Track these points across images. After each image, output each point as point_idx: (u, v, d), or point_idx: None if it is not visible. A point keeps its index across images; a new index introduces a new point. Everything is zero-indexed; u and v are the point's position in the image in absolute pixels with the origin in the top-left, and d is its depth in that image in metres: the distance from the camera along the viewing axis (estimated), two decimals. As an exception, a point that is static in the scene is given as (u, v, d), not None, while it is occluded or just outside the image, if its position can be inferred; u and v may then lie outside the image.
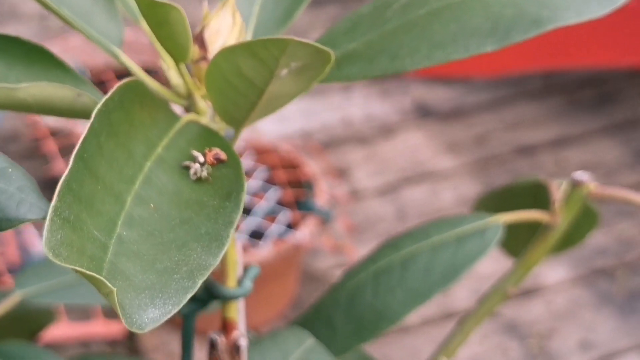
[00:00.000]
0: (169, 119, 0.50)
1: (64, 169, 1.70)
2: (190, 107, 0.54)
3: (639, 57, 2.01)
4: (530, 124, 2.04)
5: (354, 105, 2.09)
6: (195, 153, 0.48)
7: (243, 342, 0.60)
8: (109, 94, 0.44)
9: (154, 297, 0.39)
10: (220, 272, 0.60)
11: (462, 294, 1.66)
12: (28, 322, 0.89)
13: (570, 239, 0.77)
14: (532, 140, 2.00)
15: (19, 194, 0.40)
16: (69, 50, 1.87)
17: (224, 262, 0.59)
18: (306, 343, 0.68)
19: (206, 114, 0.54)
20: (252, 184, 1.67)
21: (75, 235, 0.39)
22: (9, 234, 1.60)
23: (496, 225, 0.70)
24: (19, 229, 1.61)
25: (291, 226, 1.60)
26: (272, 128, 2.00)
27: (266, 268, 1.50)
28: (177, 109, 0.53)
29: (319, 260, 1.72)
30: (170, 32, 0.49)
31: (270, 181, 1.69)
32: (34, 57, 0.51)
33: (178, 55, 0.52)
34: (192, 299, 0.60)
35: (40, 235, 1.61)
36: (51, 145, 1.76)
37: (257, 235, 1.59)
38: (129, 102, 0.46)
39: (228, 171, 0.47)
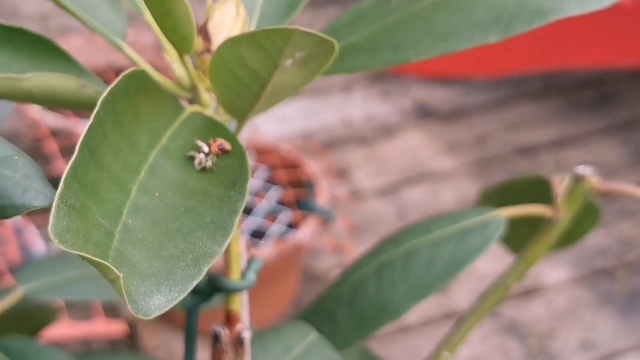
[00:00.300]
0: (174, 110, 0.50)
1: (65, 169, 1.71)
2: (194, 100, 0.54)
3: (639, 57, 2.01)
4: (531, 125, 2.05)
5: (354, 106, 2.09)
6: (200, 143, 0.48)
7: (246, 335, 0.60)
8: (114, 83, 0.44)
9: (159, 284, 0.39)
10: (224, 265, 0.60)
11: (462, 294, 1.66)
12: (30, 319, 0.89)
13: (573, 235, 0.77)
14: (532, 141, 2.00)
15: (25, 181, 0.40)
16: (70, 50, 1.87)
17: (227, 255, 0.59)
18: (309, 337, 0.68)
19: (210, 107, 0.54)
20: (253, 183, 1.67)
21: (81, 222, 0.39)
22: (9, 233, 1.60)
23: (498, 220, 0.70)
24: (20, 229, 1.61)
25: (292, 226, 1.60)
26: (273, 128, 2.00)
27: (267, 268, 1.50)
28: (180, 101, 0.53)
29: (319, 260, 1.72)
30: (175, 23, 0.49)
31: (271, 181, 1.69)
32: (38, 48, 0.52)
33: (182, 47, 0.52)
34: (196, 291, 0.60)
35: (41, 235, 1.61)
36: (52, 146, 1.76)
37: (258, 235, 1.59)
38: (133, 92, 0.46)
39: (233, 161, 0.47)
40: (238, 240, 0.58)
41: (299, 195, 1.65)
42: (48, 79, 0.48)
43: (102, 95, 0.43)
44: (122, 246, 0.40)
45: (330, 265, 1.71)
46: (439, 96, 2.12)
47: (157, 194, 0.44)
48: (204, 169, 0.47)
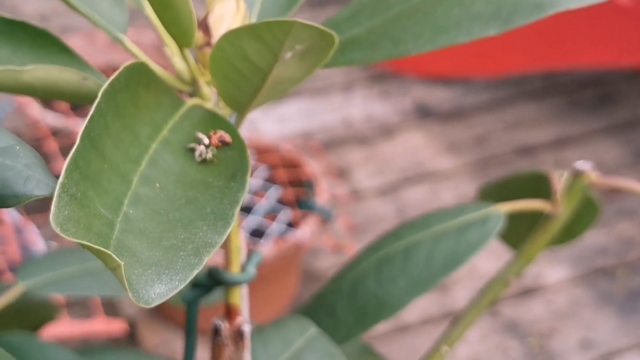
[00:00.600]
0: (174, 103, 0.50)
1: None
2: (194, 93, 0.55)
3: (639, 57, 2.01)
4: (530, 125, 2.05)
5: (354, 106, 2.09)
6: (201, 135, 0.48)
7: (247, 328, 0.60)
8: (115, 74, 0.45)
9: (160, 273, 0.40)
10: (224, 259, 0.60)
11: (462, 293, 1.66)
12: (31, 315, 0.89)
13: (572, 230, 0.78)
14: (532, 141, 2.00)
15: (27, 171, 0.40)
16: (70, 50, 1.87)
17: (227, 248, 0.59)
18: (309, 331, 0.68)
19: (210, 100, 0.54)
20: (252, 183, 1.67)
21: (83, 212, 0.40)
22: (10, 232, 1.60)
23: (497, 215, 0.70)
24: (20, 228, 1.61)
25: (292, 225, 1.61)
26: (273, 128, 2.00)
27: (267, 267, 1.50)
28: (181, 95, 0.53)
29: (319, 259, 1.72)
30: (175, 16, 0.50)
31: (270, 180, 1.69)
32: (39, 42, 0.52)
33: (183, 40, 0.52)
34: (196, 285, 0.60)
35: (42, 234, 1.61)
36: (52, 145, 1.76)
37: (258, 234, 1.59)
38: (134, 84, 0.47)
39: (233, 153, 0.47)
40: (238, 234, 0.59)
41: (298, 195, 1.65)
42: (49, 72, 0.48)
43: (103, 87, 0.43)
44: (123, 236, 0.41)
45: (330, 265, 1.71)
46: (439, 96, 2.12)
47: (157, 184, 0.44)
48: (204, 161, 0.47)
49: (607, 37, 2.01)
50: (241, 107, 0.53)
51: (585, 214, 0.76)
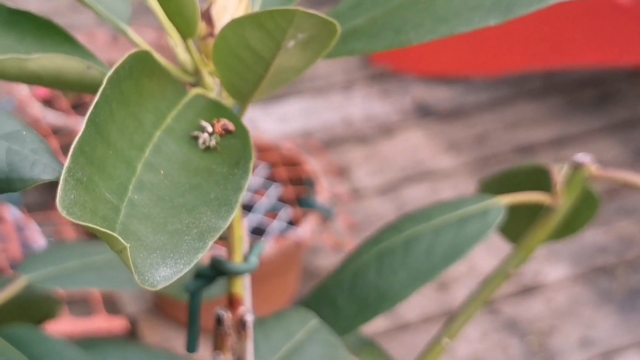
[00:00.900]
0: (178, 92, 0.51)
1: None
2: (197, 84, 0.55)
3: (639, 57, 2.02)
4: (530, 124, 2.05)
5: (354, 105, 2.10)
6: (204, 123, 0.49)
7: (249, 318, 0.60)
8: (120, 62, 0.45)
9: (165, 256, 0.40)
10: (227, 250, 0.61)
11: (462, 291, 1.67)
12: (32, 310, 0.89)
13: (572, 225, 0.78)
14: (531, 140, 2.01)
15: (33, 156, 0.41)
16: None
17: (230, 238, 0.59)
18: (310, 323, 0.68)
19: (213, 90, 0.55)
20: (253, 181, 1.67)
21: (88, 196, 0.40)
22: (11, 230, 1.60)
23: (498, 207, 0.70)
24: (21, 226, 1.62)
25: (292, 223, 1.61)
26: (273, 127, 2.01)
27: (267, 265, 1.51)
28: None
29: (319, 258, 1.72)
30: (179, 6, 0.50)
31: (271, 178, 1.69)
32: (44, 31, 0.52)
33: (186, 30, 0.52)
34: (199, 275, 0.61)
35: (42, 231, 1.62)
36: (53, 143, 1.76)
37: (258, 232, 1.59)
38: (138, 72, 0.47)
39: (236, 141, 0.48)
40: (240, 224, 0.59)
41: (299, 193, 1.66)
42: (54, 60, 0.48)
43: (108, 73, 0.44)
44: (128, 220, 0.41)
45: (330, 263, 1.71)
46: (439, 95, 2.12)
47: (162, 171, 0.44)
48: (207, 149, 0.48)
49: (606, 37, 2.02)
50: (244, 97, 0.53)
51: (585, 208, 0.77)
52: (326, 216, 1.61)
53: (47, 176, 0.41)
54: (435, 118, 2.07)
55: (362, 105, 2.10)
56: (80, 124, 1.72)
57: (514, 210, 0.74)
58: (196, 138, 0.48)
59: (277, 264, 1.54)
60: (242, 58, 0.49)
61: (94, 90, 0.47)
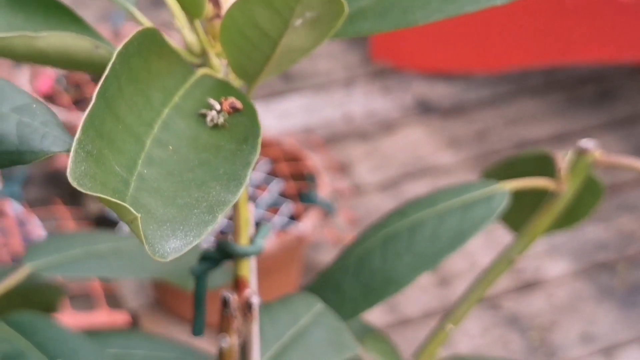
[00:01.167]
0: (185, 71, 0.51)
1: (67, 162, 1.72)
2: (204, 65, 0.55)
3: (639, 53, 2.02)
4: (531, 120, 2.05)
5: (355, 102, 2.10)
6: (212, 101, 0.49)
7: (255, 300, 0.60)
8: (129, 38, 0.45)
9: (175, 229, 0.40)
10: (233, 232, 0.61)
11: (463, 287, 1.66)
12: (36, 298, 0.89)
13: (576, 213, 0.78)
14: (532, 136, 2.01)
15: (43, 128, 0.41)
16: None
17: (236, 220, 0.60)
18: (315, 307, 0.69)
19: (220, 72, 0.55)
20: (254, 176, 1.67)
21: (99, 169, 0.40)
22: (12, 224, 1.60)
23: (502, 192, 0.70)
24: (23, 220, 1.62)
25: (294, 218, 1.61)
26: (274, 124, 2.01)
27: (269, 260, 1.51)
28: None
29: (321, 253, 1.72)
30: (186, -14, 0.50)
31: (272, 173, 1.70)
32: (52, 11, 0.52)
33: (193, 11, 0.53)
34: (205, 258, 0.61)
35: (44, 226, 1.62)
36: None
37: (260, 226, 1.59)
38: (146, 50, 0.47)
39: (244, 119, 0.48)
40: (247, 207, 0.59)
41: (300, 188, 1.66)
42: (63, 39, 0.49)
43: (118, 48, 0.44)
44: (138, 193, 0.41)
45: (331, 258, 1.71)
46: (440, 92, 2.13)
47: (170, 147, 0.45)
48: (216, 126, 0.48)
49: (608, 33, 2.02)
50: (251, 78, 0.53)
51: (588, 196, 0.77)
52: (327, 211, 1.61)
53: (58, 148, 0.41)
54: (436, 114, 2.07)
55: (363, 102, 2.10)
56: (80, 120, 1.72)
57: (517, 200, 0.74)
58: (204, 116, 0.48)
59: (278, 258, 1.55)
60: (250, 37, 0.50)
61: (101, 70, 0.47)
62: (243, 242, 0.60)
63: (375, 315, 1.57)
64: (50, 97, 1.82)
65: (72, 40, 0.49)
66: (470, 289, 0.75)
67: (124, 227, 1.53)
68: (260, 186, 1.67)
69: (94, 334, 0.85)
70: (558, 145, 1.98)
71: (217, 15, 0.55)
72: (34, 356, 0.65)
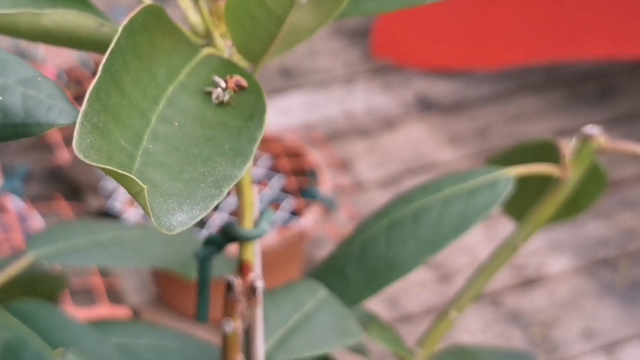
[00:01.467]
0: (190, 50, 0.51)
1: (68, 158, 1.71)
2: (208, 46, 0.55)
3: (640, 50, 2.02)
4: (532, 117, 2.05)
5: (356, 99, 2.10)
6: (217, 79, 0.49)
7: (259, 284, 0.60)
8: (134, 13, 0.45)
9: (181, 202, 0.40)
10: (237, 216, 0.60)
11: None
12: (39, 287, 0.89)
13: (580, 201, 0.78)
14: (533, 133, 2.01)
15: (49, 101, 0.41)
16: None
17: (240, 204, 0.59)
18: (319, 294, 0.69)
19: (225, 53, 0.55)
20: (256, 171, 1.67)
21: (104, 142, 0.40)
22: (14, 220, 1.60)
23: (507, 178, 0.70)
24: (24, 216, 1.62)
25: (295, 213, 1.61)
26: (276, 120, 2.01)
27: (270, 255, 1.51)
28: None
29: (322, 249, 1.72)
30: (191, -36, 0.50)
31: (274, 169, 1.69)
32: (57, -10, 0.52)
33: (197, -10, 0.52)
34: (208, 242, 0.61)
35: (45, 221, 1.62)
36: (55, 135, 1.76)
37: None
38: (151, 26, 0.47)
39: (249, 96, 0.48)
40: (251, 190, 0.59)
41: (302, 184, 1.66)
42: (67, 16, 0.48)
43: (123, 23, 0.44)
44: (143, 168, 0.41)
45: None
46: (441, 89, 2.12)
47: (176, 123, 0.44)
48: (221, 103, 0.48)
49: (608, 30, 2.02)
50: (256, 58, 0.53)
51: (592, 184, 0.77)
52: (329, 207, 1.61)
53: (63, 120, 0.41)
54: (437, 111, 2.07)
55: (364, 99, 2.10)
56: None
57: (521, 190, 0.74)
58: (209, 94, 0.48)
59: (279, 254, 1.54)
60: (255, 16, 0.49)
61: (105, 49, 0.47)
62: (247, 225, 0.59)
63: (376, 311, 1.57)
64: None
65: (76, 18, 0.48)
66: (474, 276, 0.75)
67: (126, 220, 1.53)
68: (261, 182, 1.67)
69: (97, 323, 0.85)
70: (559, 142, 1.98)
71: (222, -5, 0.54)
72: (36, 344, 0.65)
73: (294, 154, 1.70)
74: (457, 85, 2.13)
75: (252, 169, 1.66)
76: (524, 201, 0.77)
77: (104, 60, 0.42)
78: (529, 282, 1.69)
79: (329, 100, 2.09)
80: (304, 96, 2.10)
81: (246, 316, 0.61)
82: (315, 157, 1.69)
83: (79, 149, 0.38)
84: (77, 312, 1.48)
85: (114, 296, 1.58)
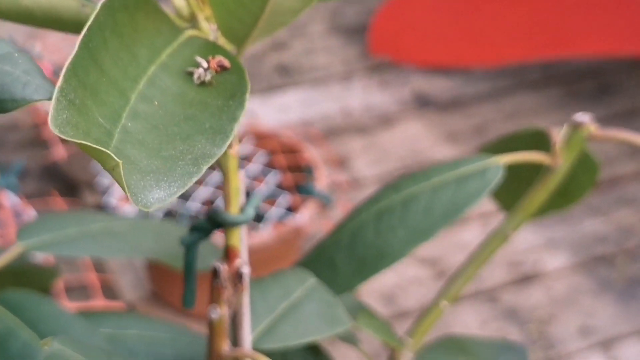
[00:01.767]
0: (173, 32, 0.50)
1: (64, 154, 1.71)
2: (193, 29, 0.55)
3: (638, 47, 2.01)
4: (529, 115, 2.05)
5: (353, 96, 2.09)
6: (199, 59, 0.48)
7: (245, 270, 0.60)
8: (114, -9, 0.45)
9: (159, 180, 0.40)
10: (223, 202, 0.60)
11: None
12: (30, 279, 0.89)
13: (572, 191, 0.77)
14: (531, 130, 2.00)
15: (25, 77, 0.41)
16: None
17: (226, 189, 0.59)
18: (308, 282, 0.68)
19: (210, 36, 0.54)
20: (251, 168, 1.67)
21: (81, 118, 0.40)
22: (9, 216, 1.60)
23: (496, 165, 0.70)
24: (19, 212, 1.61)
25: (291, 209, 1.61)
26: (273, 117, 2.01)
27: (266, 251, 1.50)
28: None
29: (318, 245, 1.72)
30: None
31: (270, 165, 1.69)
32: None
33: (181, -28, 0.52)
34: (195, 228, 0.60)
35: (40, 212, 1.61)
36: (51, 131, 1.76)
37: (257, 218, 1.59)
38: (133, 7, 0.47)
39: (232, 77, 0.47)
40: (237, 175, 0.59)
41: (298, 180, 1.65)
42: (48, -4, 0.48)
43: (102, 0, 0.44)
44: (121, 145, 0.41)
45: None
46: (438, 86, 2.12)
47: (156, 102, 0.44)
48: (203, 83, 0.47)
49: (606, 27, 2.02)
50: (240, 41, 0.53)
51: (584, 173, 0.76)
52: (325, 203, 1.60)
53: (39, 96, 0.40)
54: (435, 109, 2.06)
55: (362, 96, 2.09)
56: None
57: (512, 179, 0.73)
58: (191, 74, 0.48)
59: (275, 250, 1.54)
60: (238, -3, 0.49)
61: (88, 31, 0.46)
62: (233, 211, 0.59)
63: (373, 307, 1.57)
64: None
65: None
66: (465, 265, 0.74)
67: (119, 212, 1.52)
68: (257, 178, 1.66)
69: (87, 314, 0.84)
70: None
71: (206, -22, 0.54)
72: (24, 333, 0.65)
73: (290, 150, 1.70)
74: (455, 82, 2.13)
75: (248, 165, 1.66)
76: (515, 192, 0.77)
77: (81, 36, 0.41)
78: (526, 279, 1.68)
79: (326, 98, 2.09)
80: (301, 93, 2.10)
81: (233, 303, 0.61)
82: (312, 153, 1.68)
83: (54, 124, 0.38)
84: (71, 307, 1.48)
85: (110, 292, 1.58)
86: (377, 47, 2.19)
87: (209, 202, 1.58)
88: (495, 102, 2.08)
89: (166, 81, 0.46)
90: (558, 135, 0.72)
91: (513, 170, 0.73)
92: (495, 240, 0.73)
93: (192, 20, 0.55)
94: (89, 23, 0.42)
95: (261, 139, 1.72)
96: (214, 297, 0.60)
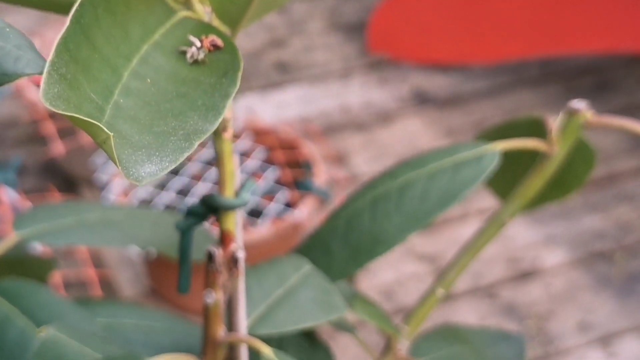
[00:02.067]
0: (167, 12, 0.50)
1: (63, 151, 1.71)
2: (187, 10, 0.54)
3: (637, 44, 2.01)
4: (528, 111, 2.05)
5: (352, 93, 2.09)
6: (193, 38, 0.48)
7: (240, 254, 0.60)
8: (106, -31, 0.45)
9: (150, 154, 0.40)
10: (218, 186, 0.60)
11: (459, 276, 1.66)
12: (26, 269, 0.89)
13: (569, 181, 0.77)
14: (530, 127, 2.00)
15: (17, 51, 0.41)
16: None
17: (221, 173, 0.59)
18: (304, 268, 0.68)
19: (204, 18, 0.54)
20: (250, 163, 1.67)
21: (72, 92, 0.40)
22: (7, 211, 1.60)
23: (493, 152, 0.70)
24: (17, 207, 1.61)
25: (289, 205, 1.60)
26: (271, 114, 2.01)
27: (264, 247, 1.50)
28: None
29: (317, 242, 1.72)
30: None
31: (268, 161, 1.69)
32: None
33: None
34: (190, 213, 0.60)
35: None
36: (50, 127, 1.76)
37: (255, 214, 1.59)
38: (126, -15, 0.47)
39: (225, 56, 0.47)
40: (232, 159, 0.58)
41: (296, 176, 1.65)
42: (42, -24, 0.48)
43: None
44: (113, 120, 0.41)
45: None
46: (437, 83, 2.12)
47: (148, 80, 0.44)
48: (195, 62, 0.47)
49: (605, 24, 2.02)
50: (234, 22, 0.53)
51: (580, 162, 0.76)
52: (323, 198, 1.60)
53: (31, 70, 0.40)
54: (433, 106, 2.06)
55: (360, 93, 2.09)
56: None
57: (509, 167, 0.73)
58: (184, 53, 0.48)
59: (273, 245, 1.54)
60: (233, -23, 0.49)
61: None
62: (228, 195, 0.59)
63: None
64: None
65: (52, -21, 0.48)
66: (461, 253, 0.74)
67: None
68: (255, 174, 1.66)
69: (84, 302, 0.84)
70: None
71: (200, -40, 0.54)
72: (20, 321, 0.65)
73: (289, 146, 1.70)
74: (453, 79, 2.13)
75: (247, 161, 1.66)
76: (512, 181, 0.77)
77: (72, 11, 0.41)
78: (525, 275, 1.68)
79: (325, 95, 2.09)
80: (300, 90, 2.10)
81: (228, 288, 0.61)
82: (310, 149, 1.68)
83: (46, 98, 0.38)
84: (70, 303, 1.48)
85: (108, 289, 1.58)
86: (376, 45, 2.19)
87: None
88: (494, 98, 2.08)
89: (159, 60, 0.46)
90: (554, 122, 0.71)
91: (510, 159, 0.73)
92: (492, 227, 0.73)
93: (187, 3, 0.55)
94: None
95: (260, 135, 1.72)
96: (209, 282, 0.60)
